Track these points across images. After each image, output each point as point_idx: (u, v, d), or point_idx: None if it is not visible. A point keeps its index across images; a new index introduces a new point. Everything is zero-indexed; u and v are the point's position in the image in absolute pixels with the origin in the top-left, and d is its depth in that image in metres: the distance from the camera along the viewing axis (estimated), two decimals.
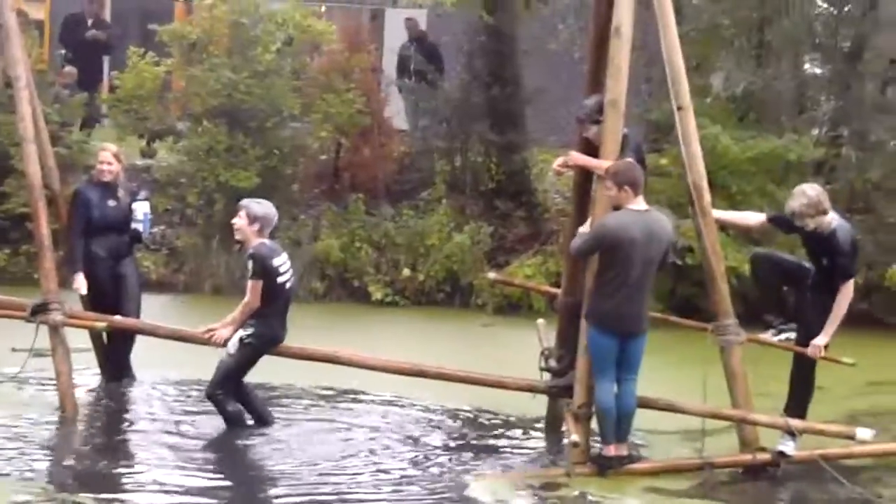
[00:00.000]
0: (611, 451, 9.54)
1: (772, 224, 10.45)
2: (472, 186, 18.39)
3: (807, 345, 9.94)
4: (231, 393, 10.35)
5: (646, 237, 9.33)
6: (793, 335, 10.06)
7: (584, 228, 9.74)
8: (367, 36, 20.25)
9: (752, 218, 10.76)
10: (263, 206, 10.46)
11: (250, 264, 10.22)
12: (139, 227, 11.59)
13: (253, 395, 10.65)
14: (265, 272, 10.23)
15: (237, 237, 10.48)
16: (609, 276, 9.28)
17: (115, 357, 11.63)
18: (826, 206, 9.80)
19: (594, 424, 9.71)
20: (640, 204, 9.45)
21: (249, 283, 10.26)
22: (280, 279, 10.32)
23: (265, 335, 10.26)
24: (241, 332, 10.23)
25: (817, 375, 10.27)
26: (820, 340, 9.84)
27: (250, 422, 10.50)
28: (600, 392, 9.49)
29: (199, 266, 16.62)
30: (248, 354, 10.28)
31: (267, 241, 10.40)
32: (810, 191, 9.86)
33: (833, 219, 9.85)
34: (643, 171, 10.12)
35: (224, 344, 10.23)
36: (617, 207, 9.47)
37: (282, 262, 10.42)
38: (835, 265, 9.80)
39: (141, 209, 11.57)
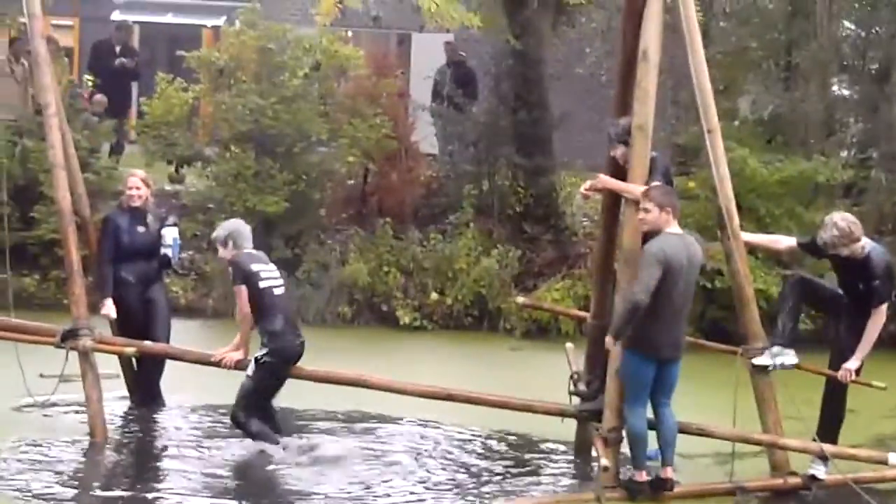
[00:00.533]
0: (642, 476, 9.50)
1: (802, 249, 10.40)
2: (500, 210, 18.38)
3: (839, 369, 9.89)
4: (253, 414, 10.33)
5: (688, 261, 9.32)
6: (788, 361, 9.92)
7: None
8: (395, 61, 20.32)
9: (783, 242, 10.71)
10: (225, 226, 10.66)
11: (230, 272, 10.31)
12: (168, 252, 11.63)
13: (272, 413, 10.61)
14: (245, 277, 10.29)
15: (230, 267, 10.52)
16: (655, 301, 9.20)
17: (144, 382, 11.65)
18: (858, 234, 9.76)
19: (623, 449, 9.68)
20: (676, 228, 9.43)
21: (238, 289, 10.32)
22: (263, 284, 10.34)
23: (278, 351, 10.26)
24: (257, 353, 10.25)
25: (848, 399, 10.21)
26: (851, 364, 9.79)
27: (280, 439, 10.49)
28: (634, 417, 9.44)
29: (227, 291, 16.59)
30: (267, 374, 10.27)
31: (250, 251, 10.49)
32: (841, 222, 9.79)
33: (866, 243, 9.82)
34: None
35: (237, 366, 10.26)
36: (655, 231, 9.41)
37: (262, 267, 10.48)
38: (870, 289, 9.74)
39: (170, 234, 11.61)
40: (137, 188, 11.54)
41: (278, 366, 10.29)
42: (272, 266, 10.64)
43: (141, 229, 11.50)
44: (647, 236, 9.46)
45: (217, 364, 10.37)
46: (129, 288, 11.39)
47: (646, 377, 9.39)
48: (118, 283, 11.34)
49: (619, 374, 9.51)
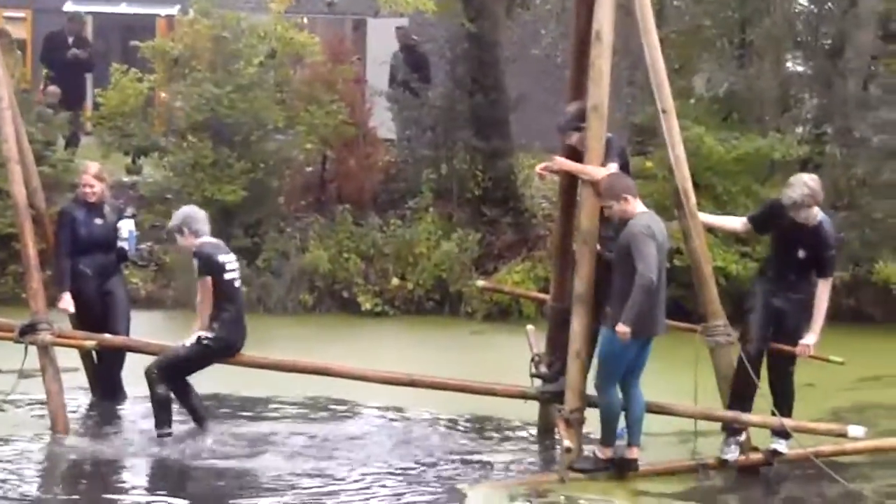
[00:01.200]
0: (606, 453, 9.56)
1: (752, 223, 10.39)
2: (459, 194, 18.39)
3: (793, 345, 9.93)
4: (167, 379, 10.31)
5: (662, 237, 9.39)
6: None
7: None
8: (351, 46, 20.29)
9: (735, 222, 10.68)
10: (179, 213, 10.62)
11: (196, 263, 10.26)
12: (125, 244, 11.56)
13: (193, 394, 10.59)
14: (211, 267, 10.31)
15: (191, 253, 10.48)
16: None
17: (105, 375, 11.59)
18: (820, 198, 9.80)
19: (586, 428, 9.73)
20: (641, 206, 9.47)
21: (199, 283, 10.28)
22: (228, 276, 10.38)
23: (222, 340, 10.30)
24: (202, 333, 10.25)
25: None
26: (809, 340, 9.83)
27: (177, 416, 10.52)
28: (610, 396, 9.48)
29: (187, 282, 16.55)
30: (200, 354, 10.30)
31: (210, 239, 10.46)
32: (811, 182, 9.83)
33: (818, 212, 9.86)
34: (629, 174, 10.17)
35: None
36: (627, 218, 9.44)
37: (228, 259, 10.50)
38: (821, 258, 9.75)
39: (126, 227, 11.54)
40: (91, 185, 11.44)
41: (216, 352, 10.34)
42: (233, 256, 10.63)
43: (98, 221, 11.44)
44: (622, 223, 9.49)
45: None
46: (87, 281, 11.33)
47: (627, 357, 9.44)
48: (76, 275, 11.28)
49: (603, 355, 9.50)
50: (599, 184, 9.53)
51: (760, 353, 9.78)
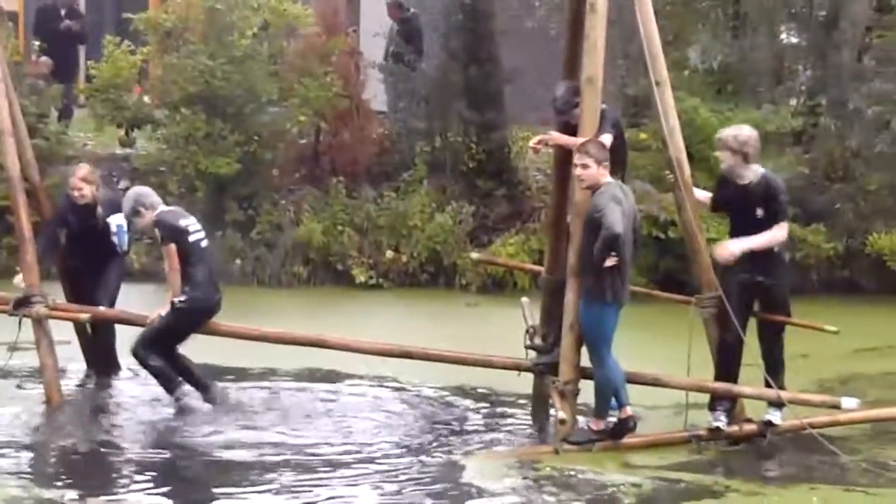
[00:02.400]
0: (599, 425, 9.58)
1: (713, 207, 10.34)
2: (453, 166, 18.37)
3: (783, 314, 9.90)
4: (153, 352, 10.38)
5: (629, 208, 9.40)
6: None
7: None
8: (344, 18, 20.20)
9: (703, 195, 10.59)
10: (127, 198, 10.67)
11: (157, 232, 10.31)
12: (115, 239, 11.47)
13: (186, 362, 10.66)
14: (174, 233, 10.39)
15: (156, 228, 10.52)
16: (618, 251, 9.24)
17: (100, 349, 11.59)
18: (749, 151, 9.75)
19: (580, 400, 9.75)
20: (610, 179, 9.48)
21: (164, 251, 10.37)
22: (192, 238, 10.46)
23: (197, 300, 10.35)
24: (175, 298, 10.29)
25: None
26: (736, 246, 9.68)
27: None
28: (607, 365, 9.48)
29: None
30: (179, 319, 10.34)
31: (166, 207, 10.61)
32: (747, 129, 9.89)
33: (758, 167, 9.85)
34: (625, 145, 10.18)
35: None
36: (593, 185, 9.46)
37: (189, 222, 10.59)
38: (771, 209, 9.69)
39: (115, 222, 11.39)
40: (79, 188, 11.29)
41: (192, 315, 10.37)
42: (194, 219, 10.74)
43: (91, 222, 11.34)
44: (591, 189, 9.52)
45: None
46: (81, 272, 11.34)
47: (613, 324, 9.46)
48: (70, 269, 11.34)
49: (585, 330, 9.52)
50: (587, 144, 9.52)
51: (741, 341, 9.77)
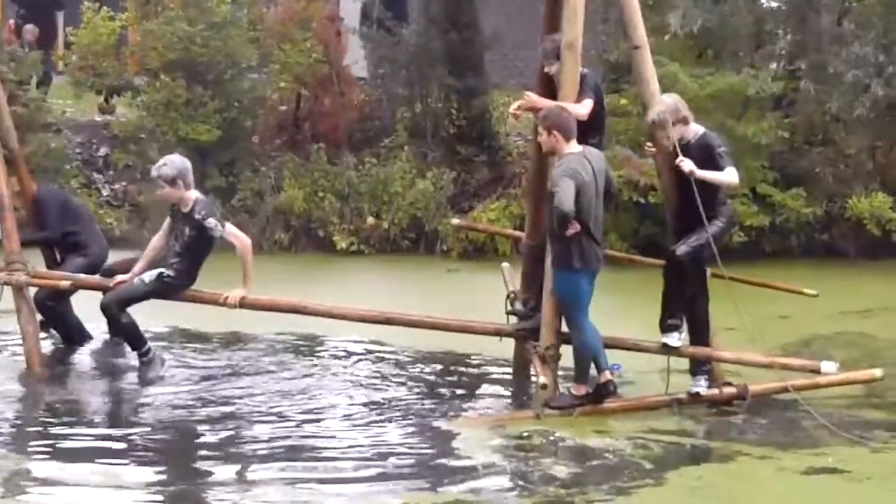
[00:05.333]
0: (581, 390, 9.61)
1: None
2: (434, 132, 18.37)
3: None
4: (124, 309, 10.40)
5: (591, 175, 9.37)
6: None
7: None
8: None
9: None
10: (172, 163, 10.43)
11: (211, 220, 10.18)
12: None
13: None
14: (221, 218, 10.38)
15: (171, 203, 10.44)
16: (579, 217, 9.26)
17: (60, 325, 11.52)
18: (685, 114, 9.78)
19: (561, 365, 9.79)
20: (574, 147, 9.46)
21: (227, 229, 10.27)
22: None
23: (184, 281, 10.38)
24: (164, 270, 10.31)
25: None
26: (693, 167, 9.57)
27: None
28: (588, 332, 9.50)
29: (162, 221, 16.55)
30: (158, 290, 10.36)
31: (200, 195, 10.45)
32: (667, 98, 9.90)
33: (697, 127, 9.87)
34: (604, 110, 10.16)
35: (242, 304, 10.26)
36: (553, 152, 9.48)
37: None
38: (715, 159, 9.65)
39: None
40: None
41: (172, 289, 10.37)
42: None
43: None
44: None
45: (223, 303, 10.32)
46: None
47: (588, 290, 9.48)
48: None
49: (559, 297, 9.55)
50: (543, 109, 9.54)
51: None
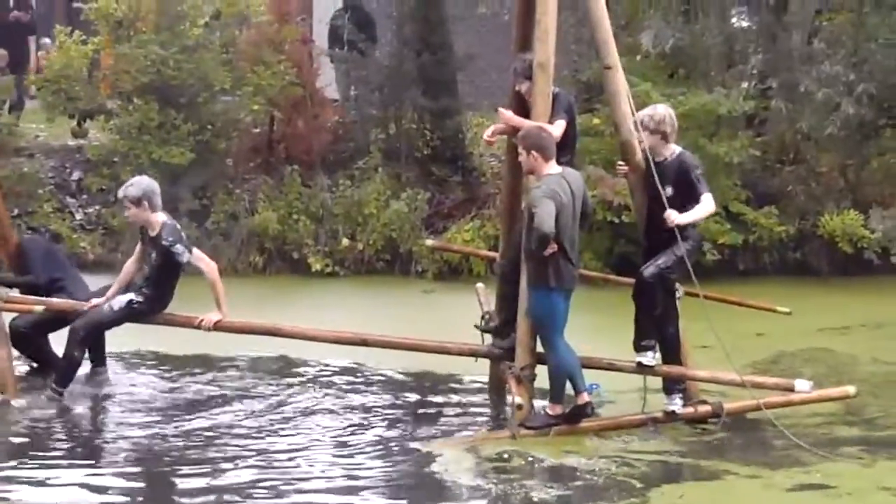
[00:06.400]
0: (556, 409, 9.63)
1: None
2: (408, 153, 18.36)
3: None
4: (87, 343, 10.41)
5: (569, 196, 9.41)
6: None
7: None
8: (296, 6, 20.14)
9: None
10: (138, 184, 10.43)
11: (178, 246, 10.15)
12: None
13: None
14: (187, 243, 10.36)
15: (138, 225, 10.45)
16: (557, 237, 9.29)
17: (36, 353, 11.44)
18: (665, 130, 9.79)
19: (537, 385, 9.80)
20: (553, 167, 9.50)
21: (195, 254, 10.27)
22: None
23: (154, 308, 10.37)
24: (133, 296, 10.29)
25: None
26: (678, 216, 9.58)
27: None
28: (563, 351, 9.52)
29: (135, 245, 16.50)
30: (128, 317, 10.37)
31: (168, 218, 10.39)
32: (661, 108, 9.98)
33: (676, 147, 9.91)
34: (575, 130, 10.19)
35: (216, 328, 10.24)
36: (532, 172, 9.53)
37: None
38: (683, 186, 9.70)
39: None
40: None
41: (142, 315, 10.37)
42: None
43: None
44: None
45: (197, 326, 10.29)
46: None
47: (563, 310, 9.52)
48: None
49: (534, 317, 9.57)
50: (522, 129, 9.59)
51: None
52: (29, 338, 11.10)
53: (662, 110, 9.92)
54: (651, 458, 9.18)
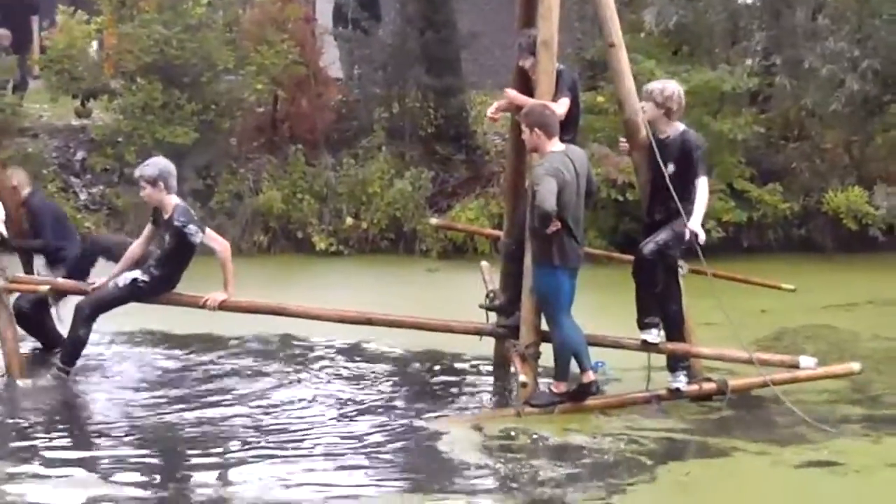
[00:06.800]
0: (560, 387, 9.63)
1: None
2: (412, 132, 18.35)
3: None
4: (92, 320, 10.37)
5: (572, 174, 9.40)
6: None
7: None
8: None
9: None
10: (156, 164, 10.43)
11: (191, 226, 10.15)
12: None
13: None
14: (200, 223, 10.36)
15: (152, 205, 10.40)
16: (560, 215, 9.29)
17: (38, 330, 11.47)
18: (671, 107, 9.75)
19: (541, 363, 9.81)
20: (556, 145, 9.49)
21: (207, 234, 10.26)
22: None
23: (159, 288, 10.35)
24: (139, 274, 10.28)
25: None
26: (696, 226, 9.61)
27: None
28: (569, 329, 9.51)
29: (140, 225, 16.46)
30: (133, 294, 10.35)
31: (180, 201, 10.38)
32: (672, 84, 9.95)
33: (680, 125, 9.89)
34: (578, 107, 10.18)
35: (221, 307, 10.23)
36: (535, 149, 9.52)
37: None
38: (684, 165, 9.70)
39: None
40: None
41: (146, 294, 10.36)
42: None
43: None
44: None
45: (202, 306, 10.28)
46: None
47: (568, 288, 9.51)
48: None
49: (538, 294, 9.58)
50: (525, 106, 9.59)
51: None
52: (29, 316, 11.12)
53: (673, 86, 9.88)
54: (657, 436, 9.18)
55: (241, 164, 17.63)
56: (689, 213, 9.64)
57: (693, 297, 10.08)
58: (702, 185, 9.71)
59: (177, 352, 11.73)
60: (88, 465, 8.54)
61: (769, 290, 12.08)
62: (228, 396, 10.28)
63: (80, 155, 18.01)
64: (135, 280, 10.30)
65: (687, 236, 9.61)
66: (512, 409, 9.67)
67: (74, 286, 10.88)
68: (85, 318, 10.34)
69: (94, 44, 17.93)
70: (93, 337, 10.70)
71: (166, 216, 10.28)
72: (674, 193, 9.61)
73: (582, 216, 9.62)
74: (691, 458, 8.84)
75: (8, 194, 11.40)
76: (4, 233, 11.20)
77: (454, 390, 10.64)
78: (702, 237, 9.64)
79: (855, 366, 10.11)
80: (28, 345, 11.31)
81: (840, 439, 9.07)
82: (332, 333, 11.77)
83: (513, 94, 10.11)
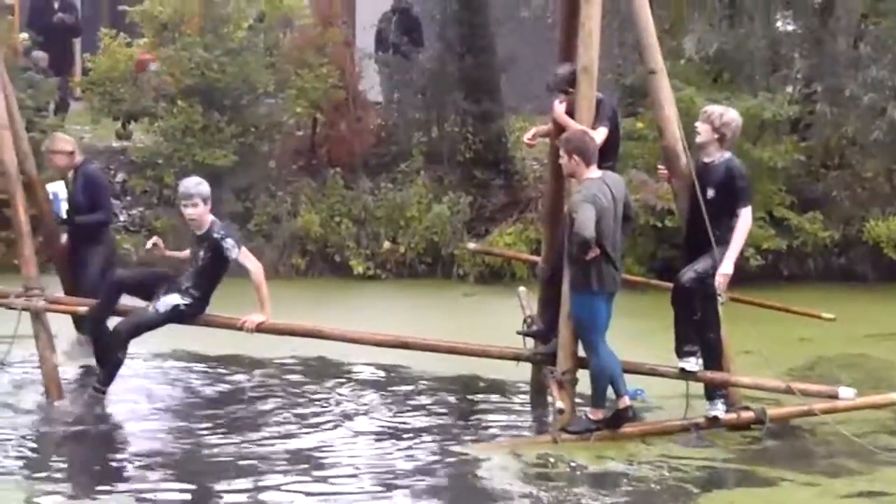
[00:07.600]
0: (598, 414, 9.59)
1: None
2: (450, 157, 18.37)
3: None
4: (128, 344, 10.33)
5: (609, 200, 9.38)
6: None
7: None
8: (339, 9, 20.19)
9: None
10: (199, 184, 10.38)
11: (229, 240, 10.17)
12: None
13: None
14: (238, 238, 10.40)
15: (195, 225, 10.34)
16: (599, 244, 9.26)
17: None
18: (725, 133, 9.72)
19: (579, 389, 9.76)
20: (594, 172, 9.47)
21: (242, 252, 10.23)
22: None
23: (198, 309, 10.35)
24: (179, 299, 10.27)
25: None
26: (726, 269, 9.57)
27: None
28: (604, 354, 9.47)
29: (178, 246, 16.54)
30: (173, 318, 10.35)
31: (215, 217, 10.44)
32: (732, 112, 9.89)
33: (727, 153, 9.82)
34: (618, 135, 10.17)
35: (259, 329, 10.23)
36: (573, 175, 9.50)
37: None
38: (724, 192, 9.63)
39: (50, 189, 11.37)
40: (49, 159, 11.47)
41: (185, 318, 10.36)
42: None
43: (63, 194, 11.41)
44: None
45: (240, 328, 10.28)
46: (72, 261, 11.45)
47: (603, 313, 9.48)
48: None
49: (576, 319, 9.55)
50: (567, 131, 9.58)
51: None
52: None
53: (733, 114, 9.85)
54: (698, 464, 9.12)
55: (280, 187, 17.68)
56: (724, 243, 9.57)
57: (731, 324, 10.01)
58: (744, 215, 9.66)
59: (211, 372, 11.75)
60: (122, 487, 8.55)
61: (809, 319, 12.01)
62: (261, 418, 10.27)
63: (120, 177, 18.13)
64: (176, 306, 10.29)
65: (718, 282, 9.55)
66: (548, 436, 9.62)
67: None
68: (122, 342, 10.35)
69: (152, 65, 18.04)
70: (130, 353, 10.75)
71: (200, 232, 10.30)
72: (709, 220, 9.56)
73: (619, 241, 9.59)
74: (735, 486, 8.78)
75: (63, 161, 11.39)
76: (63, 214, 11.26)
77: (491, 416, 10.60)
78: (722, 288, 9.53)
79: (895, 396, 10.03)
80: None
81: (886, 469, 8.99)
82: (368, 357, 11.76)
83: (559, 111, 10.07)
